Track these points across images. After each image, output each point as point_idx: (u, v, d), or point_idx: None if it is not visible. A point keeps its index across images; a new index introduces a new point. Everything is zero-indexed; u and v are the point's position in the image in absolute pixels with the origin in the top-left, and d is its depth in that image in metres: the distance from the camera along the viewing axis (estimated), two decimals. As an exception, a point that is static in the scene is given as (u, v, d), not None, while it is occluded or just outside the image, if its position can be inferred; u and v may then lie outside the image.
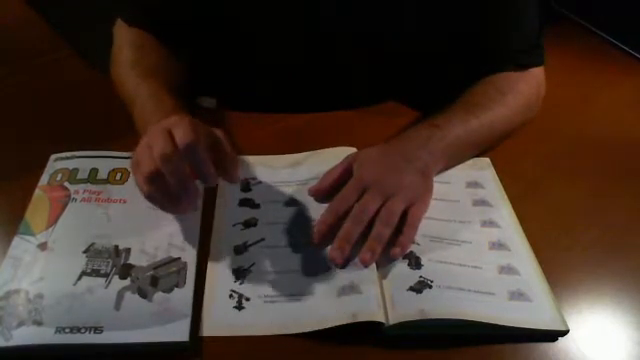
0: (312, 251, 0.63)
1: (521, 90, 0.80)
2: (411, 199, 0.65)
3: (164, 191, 0.59)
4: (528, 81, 0.81)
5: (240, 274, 0.60)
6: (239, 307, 0.57)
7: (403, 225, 0.63)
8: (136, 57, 0.77)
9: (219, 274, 0.60)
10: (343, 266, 0.61)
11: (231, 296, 0.58)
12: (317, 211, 0.67)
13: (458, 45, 0.80)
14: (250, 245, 0.63)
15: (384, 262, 0.61)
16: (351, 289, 0.58)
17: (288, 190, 0.70)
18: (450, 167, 0.74)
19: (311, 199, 0.68)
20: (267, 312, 0.57)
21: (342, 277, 0.59)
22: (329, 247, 0.62)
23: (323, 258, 0.62)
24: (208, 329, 0.56)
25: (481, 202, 0.70)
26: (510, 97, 0.79)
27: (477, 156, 0.77)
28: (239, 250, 0.62)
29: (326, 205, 0.65)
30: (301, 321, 0.56)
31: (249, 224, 0.65)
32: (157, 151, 0.57)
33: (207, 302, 0.58)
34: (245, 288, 0.59)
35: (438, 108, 0.76)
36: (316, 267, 0.61)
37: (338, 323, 0.55)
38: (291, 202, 0.68)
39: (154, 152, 0.57)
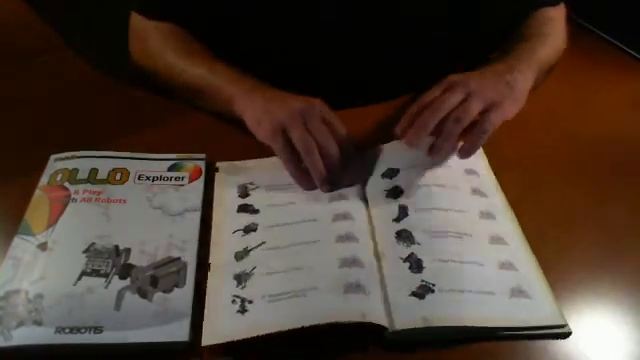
0: (315, 249, 0.62)
1: (559, 29, 0.85)
2: (490, 100, 0.69)
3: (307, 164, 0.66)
4: (561, 19, 0.86)
5: (242, 278, 0.59)
6: (242, 311, 0.56)
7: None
8: (173, 42, 0.80)
9: (220, 281, 0.59)
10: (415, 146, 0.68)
11: (234, 301, 0.57)
12: (318, 211, 0.66)
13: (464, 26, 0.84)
14: (251, 250, 0.62)
15: (386, 264, 0.61)
16: (357, 288, 0.57)
17: (287, 192, 0.69)
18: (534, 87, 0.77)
19: (311, 200, 0.68)
20: (272, 310, 0.56)
21: (347, 275, 0.59)
22: (331, 243, 0.62)
23: (326, 255, 0.61)
24: (211, 337, 0.54)
25: (478, 191, 0.69)
26: (553, 36, 0.83)
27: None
28: (240, 256, 0.62)
29: (324, 204, 0.67)
30: (308, 315, 0.55)
31: (249, 230, 0.64)
32: (321, 138, 0.65)
33: (209, 310, 0.56)
34: (247, 291, 0.58)
35: None
36: (320, 264, 0.60)
37: (348, 320, 0.54)
38: (291, 203, 0.68)
39: (317, 137, 0.65)
